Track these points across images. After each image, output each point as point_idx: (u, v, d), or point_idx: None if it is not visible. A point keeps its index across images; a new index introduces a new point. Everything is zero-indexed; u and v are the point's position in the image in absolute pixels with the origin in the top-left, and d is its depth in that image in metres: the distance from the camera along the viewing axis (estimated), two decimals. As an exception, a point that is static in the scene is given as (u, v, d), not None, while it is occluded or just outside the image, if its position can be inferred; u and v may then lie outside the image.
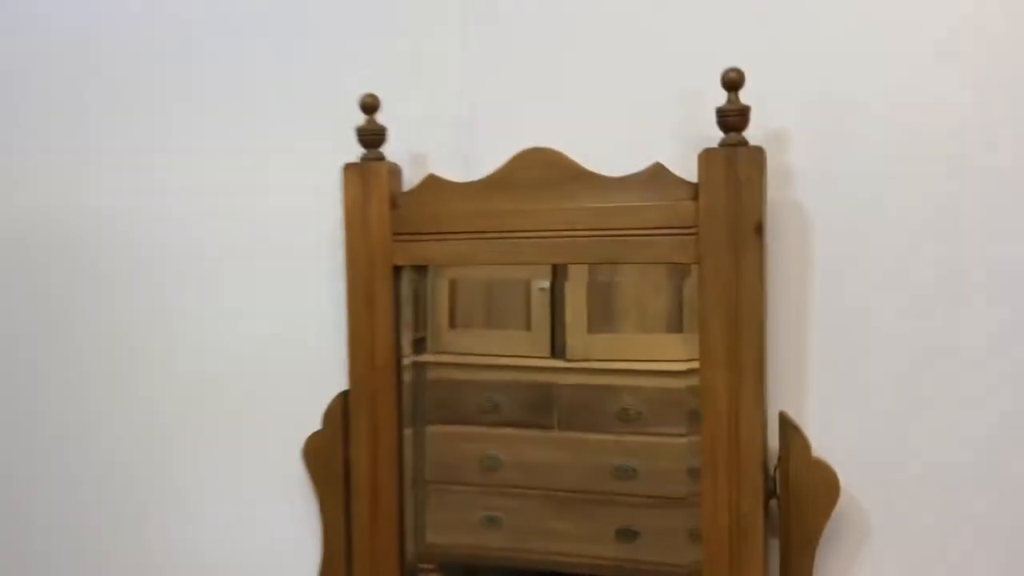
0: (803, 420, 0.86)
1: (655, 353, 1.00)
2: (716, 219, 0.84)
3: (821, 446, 0.84)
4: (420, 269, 0.98)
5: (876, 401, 0.85)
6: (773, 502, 0.85)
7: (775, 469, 0.85)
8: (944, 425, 0.84)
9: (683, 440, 0.90)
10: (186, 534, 1.11)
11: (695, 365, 0.87)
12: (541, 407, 0.98)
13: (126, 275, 1.14)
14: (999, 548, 0.83)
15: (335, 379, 1.01)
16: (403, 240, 0.96)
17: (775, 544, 0.86)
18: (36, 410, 1.19)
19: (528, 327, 0.99)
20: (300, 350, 1.06)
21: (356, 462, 0.99)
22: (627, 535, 0.94)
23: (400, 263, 0.97)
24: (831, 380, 0.87)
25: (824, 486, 0.84)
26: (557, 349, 1.00)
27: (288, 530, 1.06)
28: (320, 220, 1.03)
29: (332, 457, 1.02)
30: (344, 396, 1.01)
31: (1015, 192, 0.82)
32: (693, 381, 0.87)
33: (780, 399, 0.87)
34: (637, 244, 0.88)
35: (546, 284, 1.00)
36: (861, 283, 0.86)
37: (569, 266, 0.94)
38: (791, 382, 0.87)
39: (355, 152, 0.97)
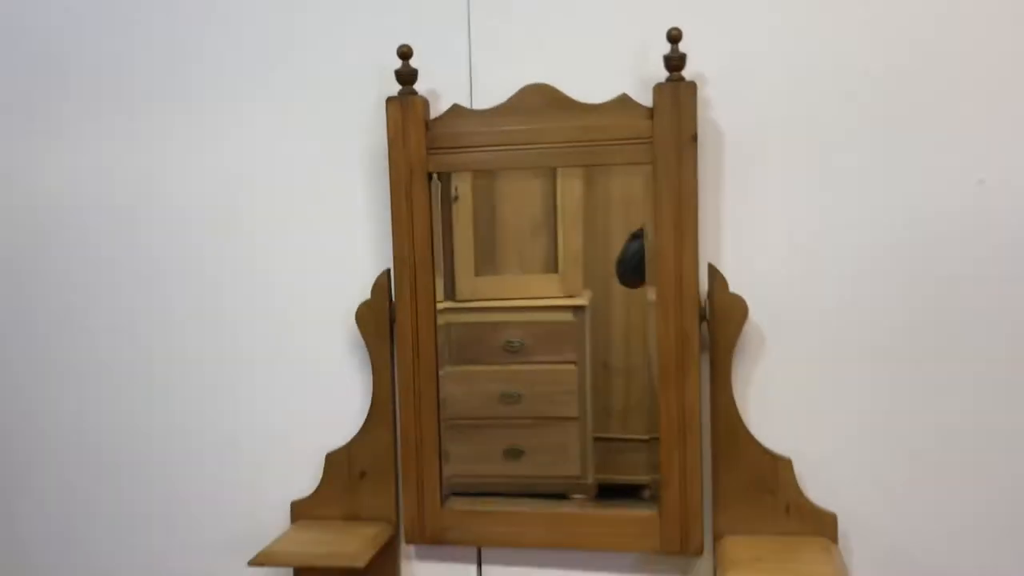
0: (724, 268, 1.27)
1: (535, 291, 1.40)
2: (665, 132, 1.23)
3: (735, 285, 1.26)
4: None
5: (774, 251, 1.27)
6: (704, 324, 1.26)
7: (705, 301, 1.26)
8: (821, 268, 1.26)
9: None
10: (261, 391, 1.43)
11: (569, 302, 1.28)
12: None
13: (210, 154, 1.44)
14: (860, 342, 1.27)
15: (380, 261, 1.36)
16: (434, 153, 1.31)
17: (706, 356, 1.27)
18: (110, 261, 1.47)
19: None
20: (352, 240, 1.39)
21: (401, 321, 1.34)
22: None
23: (432, 170, 1.32)
24: (742, 239, 1.28)
25: (737, 312, 1.26)
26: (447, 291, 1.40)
27: (343, 382, 1.40)
28: (368, 141, 1.37)
29: (380, 319, 1.36)
30: (387, 272, 1.35)
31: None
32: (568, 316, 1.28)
33: (708, 254, 1.28)
34: (611, 151, 1.26)
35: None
36: (759, 171, 1.27)
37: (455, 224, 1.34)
38: (716, 242, 1.28)
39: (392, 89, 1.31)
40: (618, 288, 1.36)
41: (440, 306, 1.37)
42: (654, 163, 1.24)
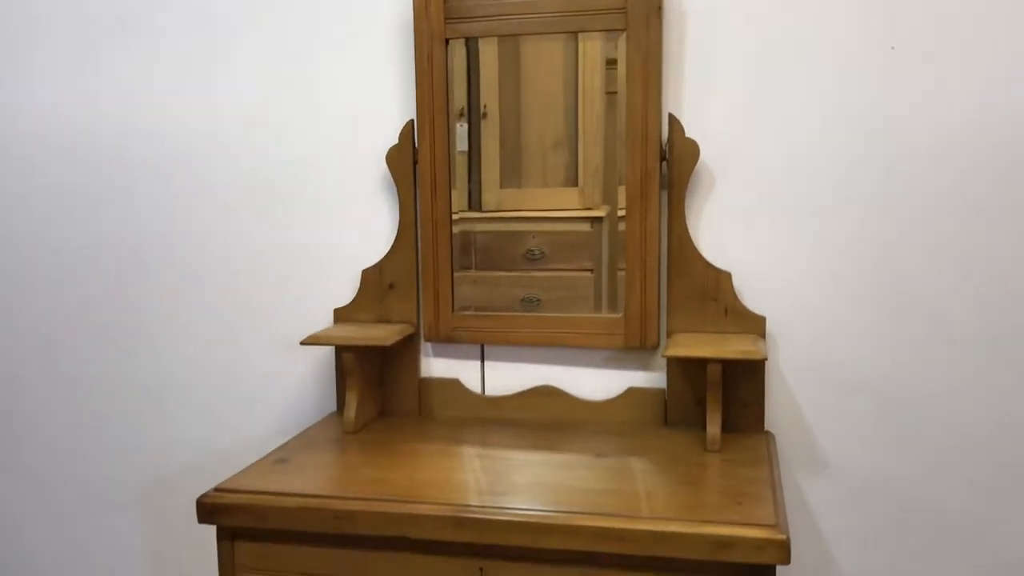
0: (682, 117, 1.57)
1: (555, 203, 1.69)
2: (636, 3, 1.52)
3: (691, 132, 1.56)
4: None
5: (725, 106, 1.57)
6: (663, 164, 1.57)
7: (666, 144, 1.57)
8: (766, 122, 1.56)
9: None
10: (309, 223, 1.76)
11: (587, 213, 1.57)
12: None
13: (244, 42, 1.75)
14: (796, 186, 1.57)
15: (406, 113, 1.68)
16: (450, 23, 1.62)
17: (665, 192, 1.58)
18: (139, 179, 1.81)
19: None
20: (384, 97, 1.70)
21: (421, 161, 1.66)
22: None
23: (448, 37, 1.62)
24: (699, 95, 1.57)
25: (691, 153, 1.56)
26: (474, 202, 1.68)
27: (376, 213, 1.73)
28: (396, 11, 1.67)
29: (405, 160, 1.68)
30: (411, 122, 1.67)
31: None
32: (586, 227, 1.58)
33: (670, 105, 1.58)
34: (593, 19, 1.56)
35: (464, 148, 1.68)
36: (714, 39, 1.56)
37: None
38: (677, 96, 1.58)
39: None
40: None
41: (467, 215, 1.67)
42: (627, 29, 1.53)
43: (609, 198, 1.65)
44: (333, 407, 1.76)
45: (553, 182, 1.71)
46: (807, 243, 1.57)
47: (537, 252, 1.70)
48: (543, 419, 1.67)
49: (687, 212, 1.58)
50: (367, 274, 1.72)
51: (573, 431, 1.60)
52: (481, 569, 1.26)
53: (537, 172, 1.72)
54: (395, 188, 1.69)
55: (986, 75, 1.49)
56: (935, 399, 1.56)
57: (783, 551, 1.15)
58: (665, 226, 1.58)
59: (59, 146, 1.86)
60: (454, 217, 1.67)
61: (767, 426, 1.61)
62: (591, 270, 1.69)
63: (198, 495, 1.33)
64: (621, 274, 1.61)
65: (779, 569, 1.45)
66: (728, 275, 1.57)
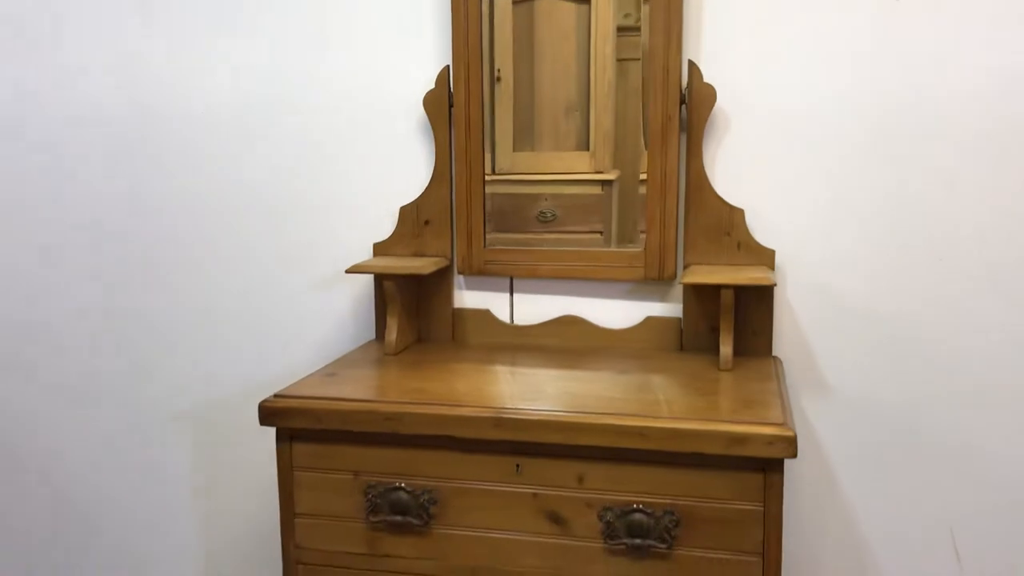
0: (701, 63, 1.69)
1: (567, 167, 1.80)
2: (659, -42, 1.65)
3: (708, 77, 1.68)
4: None
5: (741, 46, 1.69)
6: (683, 107, 1.69)
7: (685, 89, 1.69)
8: (783, 67, 1.68)
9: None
10: (354, 162, 1.88)
11: (598, 176, 1.69)
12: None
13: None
14: (808, 128, 1.69)
15: (442, 59, 1.80)
16: (485, -25, 1.74)
17: (684, 134, 1.70)
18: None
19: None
20: (422, 42, 1.82)
21: (456, 104, 1.78)
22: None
23: (484, -12, 1.75)
24: (718, 42, 1.70)
25: (708, 97, 1.69)
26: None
27: (414, 153, 1.86)
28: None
29: (441, 103, 1.80)
30: (447, 67, 1.79)
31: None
32: (597, 190, 1.70)
33: (690, 52, 1.70)
34: (618, -28, 1.68)
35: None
36: (730, -5, 1.68)
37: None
38: (697, 43, 1.70)
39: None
40: (643, 166, 1.72)
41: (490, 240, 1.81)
42: (650, -18, 1.66)
43: (619, 162, 1.78)
44: (372, 336, 1.89)
45: (565, 146, 1.83)
46: (815, 182, 1.70)
47: (549, 214, 1.82)
48: (567, 346, 1.80)
49: (704, 153, 1.70)
50: (404, 211, 1.84)
51: (595, 356, 1.73)
52: (518, 465, 1.40)
53: (549, 136, 1.83)
54: (431, 131, 1.81)
55: (992, 20, 1.61)
56: (934, 327, 1.69)
57: (791, 446, 1.29)
58: (683, 166, 1.71)
59: (110, 87, 1.98)
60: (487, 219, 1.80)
61: (775, 352, 1.74)
62: (601, 232, 1.81)
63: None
64: (630, 235, 1.75)
65: (788, 488, 1.61)
66: (741, 211, 1.70)
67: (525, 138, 1.83)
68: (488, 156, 1.80)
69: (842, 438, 1.75)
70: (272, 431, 1.48)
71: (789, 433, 1.29)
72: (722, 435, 1.30)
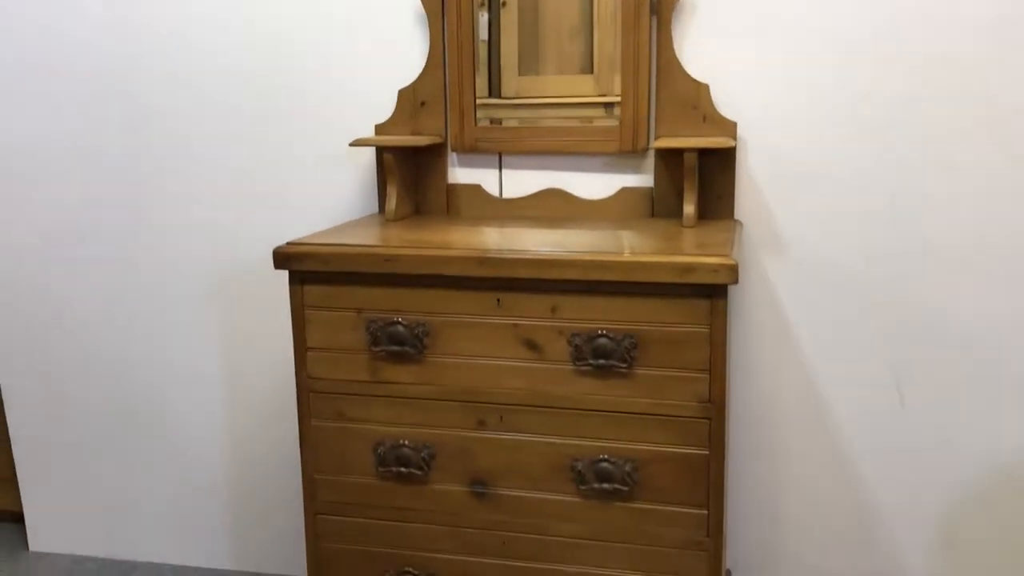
0: (668, -48, 1.86)
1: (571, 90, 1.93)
2: None
3: (676, -36, 1.85)
4: None
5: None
6: (654, -8, 1.86)
7: (655, -26, 1.86)
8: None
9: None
10: (360, 54, 2.07)
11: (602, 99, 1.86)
12: None
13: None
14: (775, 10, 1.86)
15: (435, -48, 1.97)
16: None
17: (655, 19, 1.87)
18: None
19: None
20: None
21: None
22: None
23: None
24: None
25: (677, -18, 1.86)
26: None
27: (410, 43, 2.03)
28: None
29: (435, -6, 1.98)
30: (441, -40, 1.96)
31: None
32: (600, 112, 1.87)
33: (658, -58, 1.86)
34: None
35: (485, 37, 1.92)
36: None
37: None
38: (663, -68, 1.86)
39: None
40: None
41: (487, 102, 1.96)
42: None
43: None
44: (375, 210, 2.09)
45: (569, 70, 1.99)
46: (774, 60, 1.87)
47: (553, 134, 1.99)
48: (551, 215, 1.99)
49: (672, 33, 1.87)
50: (403, 94, 2.03)
51: (575, 222, 1.93)
52: (499, 299, 1.60)
53: (554, 60, 1.99)
54: (427, 20, 1.99)
55: (926, -89, 1.76)
56: (885, 190, 1.87)
57: (733, 273, 1.48)
58: (654, 45, 1.88)
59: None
60: (477, 103, 1.97)
61: (737, 216, 1.93)
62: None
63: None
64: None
65: (749, 339, 1.81)
66: (706, 86, 1.88)
67: (530, 62, 1.98)
68: (493, 81, 1.97)
69: (799, 294, 1.95)
70: (285, 289, 1.69)
71: (731, 262, 1.48)
72: (674, 265, 1.50)
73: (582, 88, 1.97)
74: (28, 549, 2.53)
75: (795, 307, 1.95)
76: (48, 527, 2.50)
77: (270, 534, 2.34)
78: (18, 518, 2.59)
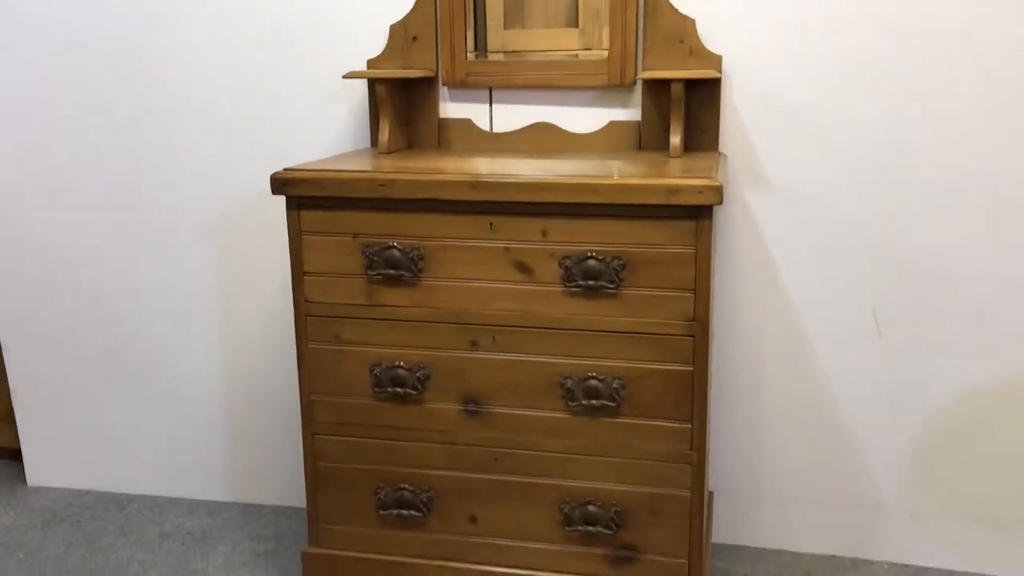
0: None
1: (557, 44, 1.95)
2: None
3: (664, -102, 1.89)
4: None
5: None
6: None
7: (643, -91, 1.89)
8: None
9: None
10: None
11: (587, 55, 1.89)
12: None
13: None
14: None
15: None
16: None
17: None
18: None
19: None
20: None
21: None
22: None
23: None
24: None
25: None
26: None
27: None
28: None
29: (426, -71, 2.01)
30: None
31: None
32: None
33: None
34: None
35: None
36: None
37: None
38: None
39: None
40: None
41: (471, 57, 1.99)
42: None
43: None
44: (368, 145, 2.13)
45: (555, 23, 2.02)
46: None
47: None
48: (540, 149, 2.04)
49: (660, -33, 1.92)
50: (394, 29, 2.05)
51: (564, 154, 1.97)
52: (491, 223, 1.65)
53: (539, 14, 2.02)
54: (418, -44, 2.02)
55: None
56: (867, 124, 1.92)
57: (718, 194, 1.53)
58: (641, -20, 1.93)
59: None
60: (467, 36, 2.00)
61: (721, 149, 1.98)
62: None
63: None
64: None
65: (731, 269, 1.87)
66: (692, 20, 1.92)
67: (515, 15, 2.01)
68: (479, 36, 2.00)
69: (780, 225, 2.01)
70: (280, 223, 1.73)
71: (716, 183, 1.54)
72: (661, 187, 1.55)
73: (567, 42, 2.00)
74: (26, 484, 2.58)
75: (776, 238, 2.01)
76: (45, 462, 2.55)
77: (267, 466, 2.40)
78: (16, 454, 2.64)
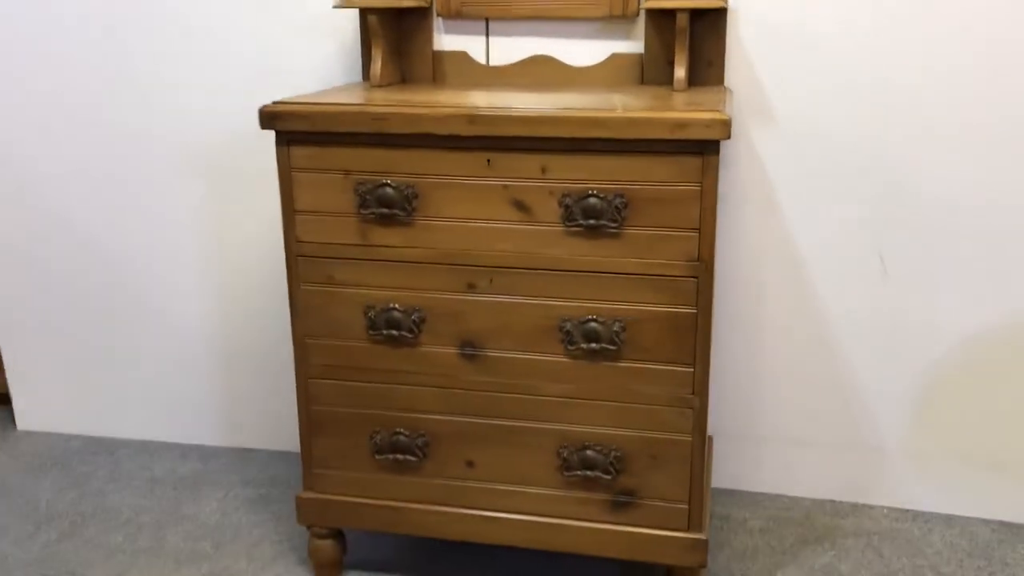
0: None
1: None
2: None
3: None
4: None
5: None
6: None
7: None
8: None
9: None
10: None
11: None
12: None
13: None
14: None
15: None
16: None
17: None
18: None
19: None
20: None
21: None
22: None
23: None
24: None
25: None
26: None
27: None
28: None
29: None
30: None
31: None
32: None
33: None
34: None
35: None
36: None
37: None
38: None
39: None
40: None
41: None
42: None
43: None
44: (359, 79, 2.05)
45: None
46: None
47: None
48: (539, 83, 1.96)
49: None
50: (386, -44, 1.97)
51: (564, 89, 1.90)
52: (488, 160, 1.59)
53: None
54: None
55: None
56: (877, 62, 1.85)
57: (726, 127, 1.47)
58: (646, -95, 1.83)
59: None
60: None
61: (726, 83, 1.91)
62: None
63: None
64: None
65: (735, 208, 1.80)
66: (696, -48, 1.84)
67: None
68: None
69: (785, 164, 1.95)
70: (269, 160, 1.67)
71: (724, 116, 1.47)
72: (668, 121, 1.49)
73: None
74: (16, 428, 2.54)
75: (781, 177, 1.95)
76: (35, 406, 2.51)
77: (260, 410, 2.37)
78: (4, 399, 2.59)
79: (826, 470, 2.10)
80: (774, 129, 1.93)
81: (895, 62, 1.84)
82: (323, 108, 1.61)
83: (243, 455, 2.38)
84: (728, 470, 2.15)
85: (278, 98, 1.70)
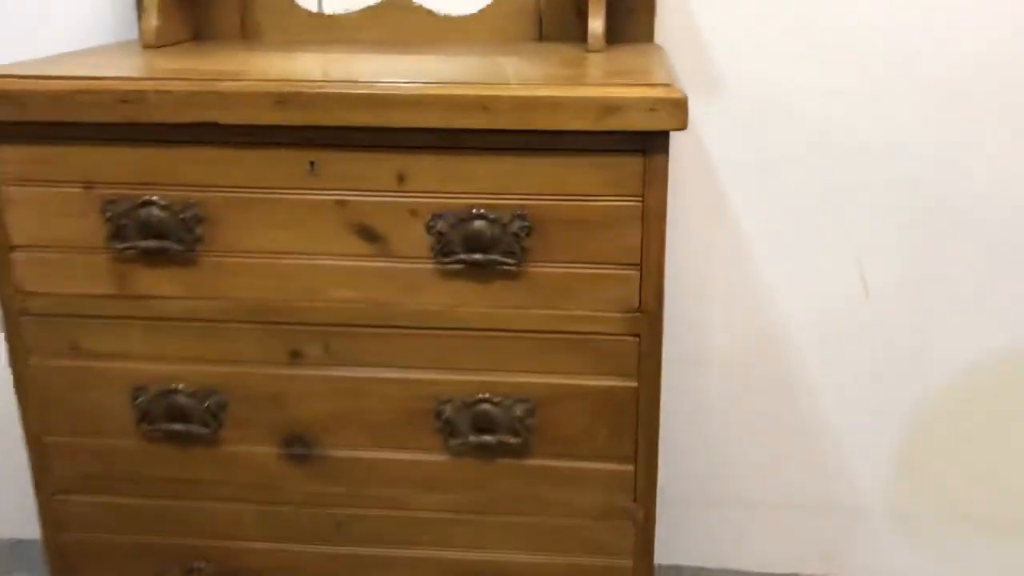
0: None
1: None
2: None
3: None
4: None
5: None
6: None
7: None
8: None
9: None
10: None
11: None
12: None
13: None
14: None
15: None
16: None
17: None
18: None
19: None
20: None
21: None
22: None
23: None
24: None
25: None
26: None
27: None
28: None
29: None
30: None
31: None
32: None
33: None
34: None
35: None
36: None
37: None
38: None
39: None
40: None
41: None
42: None
43: None
44: (134, 36, 1.43)
45: None
46: None
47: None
48: (394, 39, 1.39)
49: None
50: None
51: (431, 48, 1.33)
52: (312, 163, 1.02)
53: None
54: None
55: None
56: (838, 15, 1.37)
57: (681, 112, 0.95)
58: None
59: None
60: None
61: (657, 40, 1.38)
62: None
63: None
64: None
65: (676, 225, 1.25)
66: None
67: None
68: None
69: (736, 146, 1.44)
70: None
71: (678, 95, 0.94)
72: (591, 102, 0.95)
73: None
74: None
75: (731, 164, 1.45)
76: None
77: None
78: None
79: (791, 537, 1.64)
80: (721, 99, 1.42)
81: (872, 10, 1.36)
82: (38, 84, 1.00)
83: None
84: (671, 542, 1.66)
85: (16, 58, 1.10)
